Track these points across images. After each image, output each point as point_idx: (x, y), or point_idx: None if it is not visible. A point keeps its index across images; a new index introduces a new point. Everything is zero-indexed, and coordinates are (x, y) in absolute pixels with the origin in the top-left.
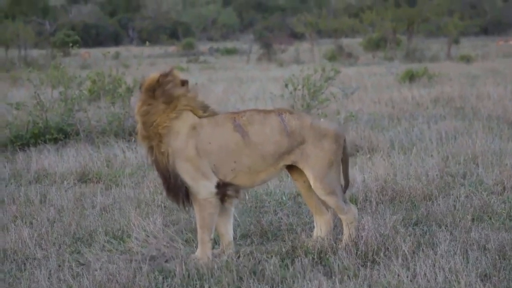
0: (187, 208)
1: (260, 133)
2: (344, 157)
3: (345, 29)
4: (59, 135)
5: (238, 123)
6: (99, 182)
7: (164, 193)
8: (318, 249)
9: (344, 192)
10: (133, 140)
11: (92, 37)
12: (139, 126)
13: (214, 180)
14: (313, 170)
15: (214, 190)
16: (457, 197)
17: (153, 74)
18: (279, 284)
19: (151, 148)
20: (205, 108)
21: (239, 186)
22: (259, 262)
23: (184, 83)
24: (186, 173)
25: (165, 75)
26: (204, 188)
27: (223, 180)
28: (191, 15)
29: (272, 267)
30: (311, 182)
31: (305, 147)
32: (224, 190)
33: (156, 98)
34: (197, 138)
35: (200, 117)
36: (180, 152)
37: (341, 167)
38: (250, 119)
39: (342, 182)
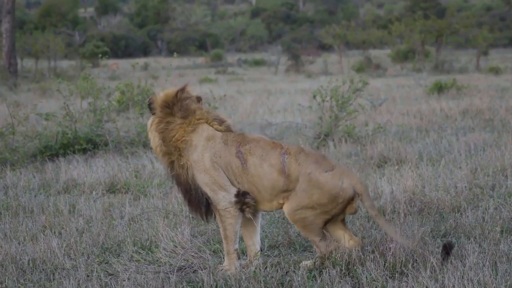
0: (209, 220)
1: (258, 166)
2: (371, 214)
3: (373, 40)
4: (88, 145)
5: (240, 150)
6: (128, 193)
7: (186, 207)
8: (346, 260)
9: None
10: None
11: (121, 48)
12: (156, 143)
13: (233, 190)
14: (291, 202)
15: (233, 199)
16: (486, 209)
17: (168, 91)
18: None
19: (171, 163)
20: (220, 121)
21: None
22: (286, 273)
23: (199, 99)
24: (205, 185)
25: (182, 91)
26: (223, 199)
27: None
28: (220, 27)
29: (299, 278)
30: (284, 208)
31: (298, 189)
32: (242, 199)
33: (174, 114)
34: (211, 150)
35: (216, 129)
36: (198, 164)
37: (328, 218)
38: (252, 150)
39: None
